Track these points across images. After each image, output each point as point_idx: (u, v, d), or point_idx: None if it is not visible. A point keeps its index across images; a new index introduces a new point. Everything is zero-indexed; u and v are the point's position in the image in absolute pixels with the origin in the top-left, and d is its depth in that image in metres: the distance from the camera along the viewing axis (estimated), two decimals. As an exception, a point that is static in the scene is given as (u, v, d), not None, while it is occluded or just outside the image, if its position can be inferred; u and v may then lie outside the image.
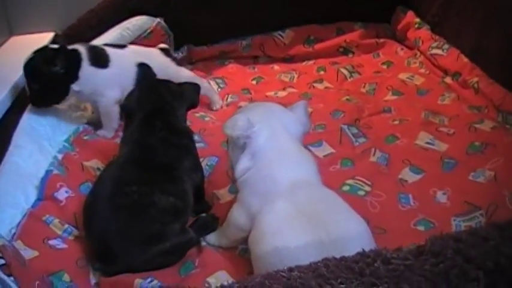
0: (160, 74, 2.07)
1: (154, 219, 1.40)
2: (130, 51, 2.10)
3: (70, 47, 1.93)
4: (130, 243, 1.37)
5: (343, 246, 1.15)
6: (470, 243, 0.84)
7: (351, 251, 0.95)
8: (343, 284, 0.77)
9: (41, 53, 1.89)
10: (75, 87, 1.90)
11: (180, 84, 1.79)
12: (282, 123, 1.46)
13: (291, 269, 0.84)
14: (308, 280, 0.79)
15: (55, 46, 1.91)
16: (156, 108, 1.65)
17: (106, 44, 2.08)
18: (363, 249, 0.90)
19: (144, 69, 2.05)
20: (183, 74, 2.18)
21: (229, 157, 1.55)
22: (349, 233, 1.22)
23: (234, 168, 1.47)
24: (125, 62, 2.01)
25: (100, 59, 1.95)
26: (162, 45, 2.31)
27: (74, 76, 1.89)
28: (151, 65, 2.08)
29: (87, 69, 1.91)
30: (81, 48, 1.94)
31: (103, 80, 1.94)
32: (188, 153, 1.63)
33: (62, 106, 2.01)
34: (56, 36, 2.46)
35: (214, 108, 2.29)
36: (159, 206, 1.42)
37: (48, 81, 1.87)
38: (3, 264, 1.18)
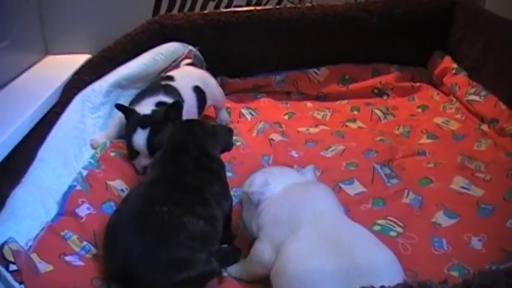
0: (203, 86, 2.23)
1: (182, 245, 1.34)
2: (181, 80, 2.16)
3: (161, 98, 1.99)
4: (155, 267, 1.30)
5: (370, 275, 1.12)
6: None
7: (378, 280, 0.92)
8: (384, 315, 0.72)
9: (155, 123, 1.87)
10: None
11: (214, 126, 1.78)
12: (294, 182, 1.50)
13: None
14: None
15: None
16: (190, 142, 1.64)
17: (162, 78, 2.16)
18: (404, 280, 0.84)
19: (197, 91, 2.18)
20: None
21: (242, 219, 1.56)
22: (376, 262, 1.19)
23: (248, 227, 1.50)
24: (188, 93, 2.10)
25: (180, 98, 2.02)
26: (187, 61, 2.44)
27: None
28: (197, 83, 2.20)
29: None
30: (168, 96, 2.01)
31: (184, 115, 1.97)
32: (219, 178, 1.60)
33: (89, 126, 2.01)
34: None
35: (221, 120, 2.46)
36: (189, 229, 1.37)
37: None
38: (15, 270, 1.15)
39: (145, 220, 1.36)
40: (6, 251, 1.19)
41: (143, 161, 1.85)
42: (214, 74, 2.68)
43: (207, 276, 1.39)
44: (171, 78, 2.16)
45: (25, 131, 1.95)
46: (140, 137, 1.83)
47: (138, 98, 2.04)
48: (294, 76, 2.77)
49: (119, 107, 1.92)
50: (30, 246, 1.38)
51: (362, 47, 2.76)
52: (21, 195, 1.53)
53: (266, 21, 2.67)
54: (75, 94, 2.05)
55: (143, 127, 1.84)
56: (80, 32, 2.72)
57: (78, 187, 1.66)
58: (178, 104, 1.90)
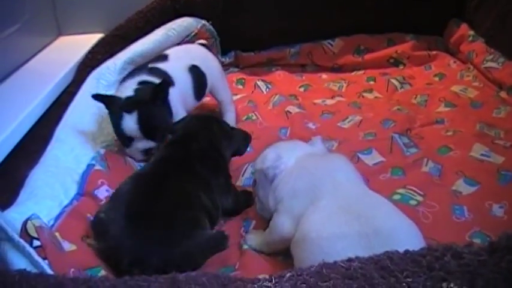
0: (204, 68, 2.06)
1: (196, 208, 1.41)
2: (175, 59, 2.03)
3: (144, 77, 1.85)
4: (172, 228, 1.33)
5: (391, 242, 1.10)
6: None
7: (400, 247, 0.90)
8: (409, 278, 0.71)
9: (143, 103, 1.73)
10: None
11: (232, 128, 1.78)
12: (306, 153, 1.50)
13: (350, 260, 0.78)
14: (370, 271, 0.72)
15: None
16: (203, 133, 1.65)
17: (150, 62, 2.02)
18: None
19: (195, 72, 2.02)
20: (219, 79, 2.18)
21: (258, 198, 1.56)
22: (397, 230, 1.18)
23: (265, 204, 1.48)
24: (180, 74, 1.96)
25: (169, 79, 1.88)
26: (202, 41, 2.33)
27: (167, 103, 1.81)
28: (196, 62, 2.05)
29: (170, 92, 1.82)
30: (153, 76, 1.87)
31: (175, 97, 1.86)
32: (224, 172, 1.64)
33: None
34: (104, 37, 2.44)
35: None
36: (203, 201, 1.42)
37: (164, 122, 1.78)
38: (38, 246, 1.15)
39: (160, 191, 1.40)
40: (30, 227, 1.19)
41: (139, 144, 1.75)
42: (228, 49, 2.69)
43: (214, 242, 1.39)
44: (164, 57, 2.04)
45: (41, 111, 1.95)
46: (129, 123, 1.70)
47: (121, 82, 1.93)
48: (309, 48, 2.76)
49: (96, 97, 1.75)
50: (52, 225, 1.38)
51: (377, 17, 2.73)
52: (40, 175, 1.54)
53: (278, -7, 2.64)
54: (89, 73, 2.04)
55: (129, 111, 1.70)
56: (92, 12, 2.69)
57: (97, 166, 1.66)
58: (166, 82, 1.79)
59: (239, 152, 1.76)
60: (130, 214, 1.33)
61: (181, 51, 2.15)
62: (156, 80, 1.81)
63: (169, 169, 1.50)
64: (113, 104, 1.75)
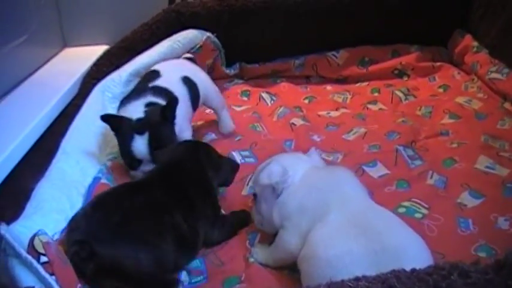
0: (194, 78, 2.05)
1: (158, 228, 1.36)
2: (168, 73, 2.00)
3: (150, 99, 1.81)
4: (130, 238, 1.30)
5: (399, 258, 1.10)
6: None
7: (407, 263, 0.91)
8: (416, 297, 0.71)
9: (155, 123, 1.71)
10: None
11: (221, 157, 1.71)
12: (311, 166, 1.48)
13: (357, 279, 0.78)
14: (377, 291, 0.73)
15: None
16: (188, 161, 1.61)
17: (145, 81, 1.99)
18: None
19: (187, 82, 2.00)
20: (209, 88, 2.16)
21: (260, 214, 1.50)
22: (405, 246, 1.17)
23: (268, 220, 1.45)
24: (178, 88, 1.93)
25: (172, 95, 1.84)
26: (187, 55, 2.32)
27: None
28: (186, 73, 2.04)
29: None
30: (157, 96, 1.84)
31: (181, 112, 1.83)
32: (214, 204, 1.59)
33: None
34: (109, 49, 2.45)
35: (223, 131, 2.18)
36: (175, 220, 1.40)
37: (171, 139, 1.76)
38: (45, 262, 1.15)
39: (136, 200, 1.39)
40: (37, 243, 1.19)
41: (146, 167, 1.70)
42: (233, 61, 2.70)
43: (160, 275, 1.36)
44: (156, 73, 2.00)
45: (47, 124, 1.96)
46: (140, 144, 1.67)
47: (124, 103, 1.87)
48: (313, 60, 2.76)
49: (105, 118, 1.72)
50: (57, 239, 1.38)
51: (381, 28, 2.73)
52: (46, 188, 1.54)
53: (282, 5, 2.65)
54: (94, 85, 2.05)
55: (140, 133, 1.68)
56: (97, 23, 2.72)
57: (103, 180, 1.66)
58: (174, 101, 1.75)
59: (226, 184, 1.71)
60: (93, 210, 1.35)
61: (169, 65, 2.14)
62: (162, 101, 1.79)
63: (150, 184, 1.50)
64: (122, 125, 1.71)
